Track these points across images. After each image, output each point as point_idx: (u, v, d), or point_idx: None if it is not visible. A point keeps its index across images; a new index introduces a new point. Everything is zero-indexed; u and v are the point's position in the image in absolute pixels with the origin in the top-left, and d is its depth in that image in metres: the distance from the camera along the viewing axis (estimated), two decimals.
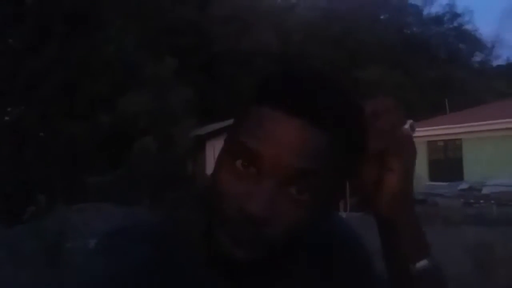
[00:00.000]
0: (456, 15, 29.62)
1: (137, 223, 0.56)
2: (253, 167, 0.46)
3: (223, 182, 0.47)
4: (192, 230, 0.53)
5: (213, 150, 11.71)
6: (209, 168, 7.24)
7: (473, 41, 29.73)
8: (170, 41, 16.31)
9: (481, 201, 8.52)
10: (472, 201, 8.67)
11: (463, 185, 10.24)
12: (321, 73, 0.50)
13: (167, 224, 0.55)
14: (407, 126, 0.53)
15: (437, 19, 29.72)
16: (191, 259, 0.52)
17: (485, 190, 9.27)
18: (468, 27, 29.94)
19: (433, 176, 12.77)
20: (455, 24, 29.68)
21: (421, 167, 13.02)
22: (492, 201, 8.13)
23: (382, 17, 29.00)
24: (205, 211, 0.51)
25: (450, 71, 23.49)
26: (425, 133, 13.14)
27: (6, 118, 11.27)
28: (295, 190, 0.46)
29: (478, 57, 31.21)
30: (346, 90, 0.49)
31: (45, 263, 4.63)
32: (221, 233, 0.47)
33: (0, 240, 5.92)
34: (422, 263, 0.53)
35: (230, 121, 0.57)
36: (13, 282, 4.41)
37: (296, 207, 0.46)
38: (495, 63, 31.77)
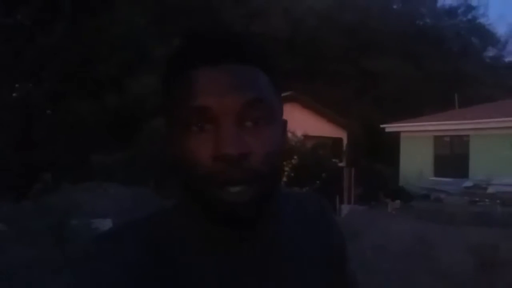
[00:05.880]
0: (470, 8, 29.06)
1: (129, 223, 0.57)
2: (209, 123, 0.49)
3: (188, 153, 0.49)
4: (186, 216, 0.55)
5: None
6: None
7: (486, 35, 29.18)
8: (179, 23, 16.15)
9: (486, 200, 8.46)
10: (477, 199, 8.61)
11: (468, 183, 10.17)
12: (220, 26, 0.57)
13: (160, 218, 0.56)
14: None
15: (451, 11, 29.18)
16: (185, 255, 0.53)
17: (490, 189, 9.20)
18: (482, 20, 29.41)
19: (438, 172, 12.70)
20: (469, 17, 29.12)
21: (426, 161, 12.95)
22: (498, 201, 8.07)
23: (395, 6, 28.50)
24: (186, 191, 0.53)
25: (461, 65, 23.14)
26: (432, 127, 13.03)
27: (14, 94, 11.28)
28: (252, 123, 0.50)
29: (490, 52, 30.70)
30: (247, 33, 0.55)
31: (50, 240, 4.69)
32: (215, 195, 0.49)
33: (7, 215, 6.00)
34: None
35: None
36: (19, 257, 4.48)
37: (258, 135, 0.50)
38: (508, 59, 31.23)
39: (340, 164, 12.84)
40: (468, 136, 12.17)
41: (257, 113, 0.50)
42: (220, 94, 0.49)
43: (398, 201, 8.47)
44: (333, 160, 12.63)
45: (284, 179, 9.78)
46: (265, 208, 0.52)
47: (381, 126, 14.37)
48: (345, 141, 15.67)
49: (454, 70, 22.36)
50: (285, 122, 0.58)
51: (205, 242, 0.54)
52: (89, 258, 0.52)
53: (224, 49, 0.50)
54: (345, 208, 9.34)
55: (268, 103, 0.51)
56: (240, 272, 0.54)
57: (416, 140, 13.53)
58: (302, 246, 0.61)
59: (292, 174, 9.87)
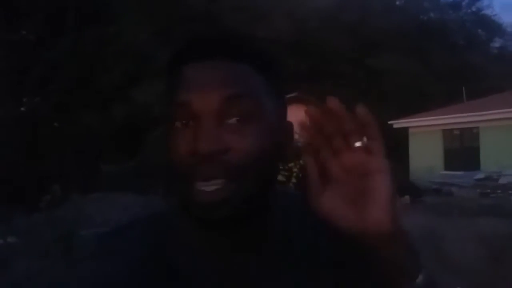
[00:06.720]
0: (474, 0, 28.76)
1: (131, 222, 0.57)
2: (191, 119, 0.48)
3: (174, 150, 0.48)
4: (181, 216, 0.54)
5: None
6: None
7: (492, 27, 28.86)
8: (182, 31, 16.28)
9: (498, 191, 8.37)
10: (488, 191, 8.51)
11: (480, 175, 10.05)
12: (217, 28, 0.55)
13: (161, 219, 0.57)
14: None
15: (455, 4, 28.92)
16: (184, 255, 0.53)
17: (502, 180, 9.10)
18: (487, 12, 29.09)
19: (449, 165, 12.56)
20: (474, 9, 28.82)
21: (436, 156, 12.81)
22: (510, 191, 7.96)
23: (397, 3, 28.36)
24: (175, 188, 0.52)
25: (467, 58, 22.89)
26: (440, 121, 12.89)
27: (22, 108, 11.48)
28: (236, 120, 0.48)
29: (497, 43, 30.36)
30: (243, 33, 0.54)
31: (59, 251, 4.72)
32: (189, 193, 0.47)
33: (18, 228, 6.06)
34: (420, 278, 0.48)
35: None
36: (29, 269, 4.52)
37: (241, 131, 0.48)
38: None
39: None
40: (477, 128, 12.02)
41: (239, 110, 0.48)
42: (200, 90, 0.48)
43: (407, 197, 8.38)
44: None
45: (293, 180, 9.73)
46: (254, 207, 0.50)
47: (389, 122, 14.28)
48: None
49: (461, 63, 22.12)
50: (290, 125, 0.57)
51: (200, 242, 0.54)
52: (91, 256, 0.53)
53: (213, 46, 0.50)
54: None
55: (254, 100, 0.49)
56: (239, 272, 0.54)
57: (425, 135, 13.40)
58: (298, 247, 0.59)
59: (301, 175, 9.83)
